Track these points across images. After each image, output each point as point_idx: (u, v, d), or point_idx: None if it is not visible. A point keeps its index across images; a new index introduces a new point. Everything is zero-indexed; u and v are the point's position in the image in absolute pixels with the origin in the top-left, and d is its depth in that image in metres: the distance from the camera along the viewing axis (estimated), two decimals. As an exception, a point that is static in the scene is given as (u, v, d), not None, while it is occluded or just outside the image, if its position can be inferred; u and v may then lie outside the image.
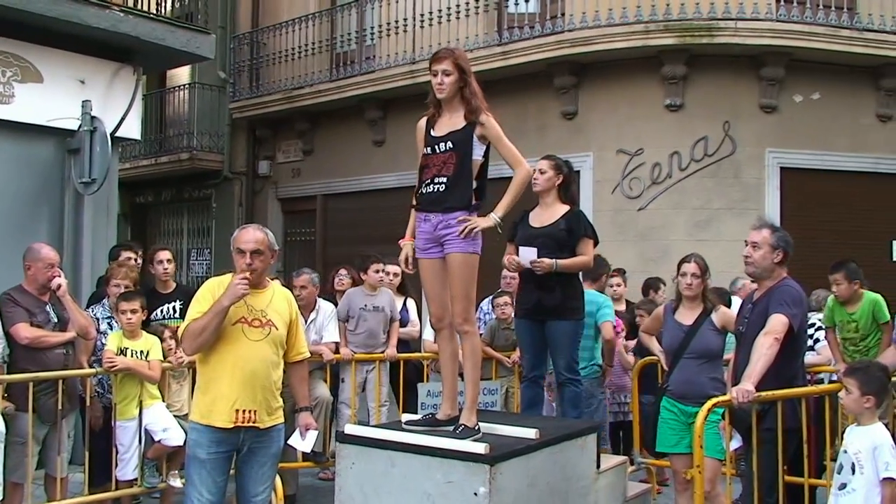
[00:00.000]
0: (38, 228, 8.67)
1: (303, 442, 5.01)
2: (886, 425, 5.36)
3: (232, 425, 4.48)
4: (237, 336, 4.52)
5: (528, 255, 5.77)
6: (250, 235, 4.62)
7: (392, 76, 13.44)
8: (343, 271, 8.43)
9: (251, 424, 4.51)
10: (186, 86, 17.05)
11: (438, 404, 5.32)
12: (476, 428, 4.51)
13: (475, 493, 4.05)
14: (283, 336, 4.70)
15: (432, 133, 4.66)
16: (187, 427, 5.22)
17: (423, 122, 4.74)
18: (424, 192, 4.63)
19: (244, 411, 4.48)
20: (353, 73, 14.23)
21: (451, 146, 4.55)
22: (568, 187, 6.08)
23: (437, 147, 4.61)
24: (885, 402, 4.86)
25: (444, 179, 4.55)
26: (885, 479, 4.31)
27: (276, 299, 4.74)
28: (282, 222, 16.40)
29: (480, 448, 4.12)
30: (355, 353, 7.46)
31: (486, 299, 8.87)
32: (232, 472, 4.72)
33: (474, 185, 4.56)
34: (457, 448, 4.21)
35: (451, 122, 4.61)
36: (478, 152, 4.56)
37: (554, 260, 5.74)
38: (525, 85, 12.39)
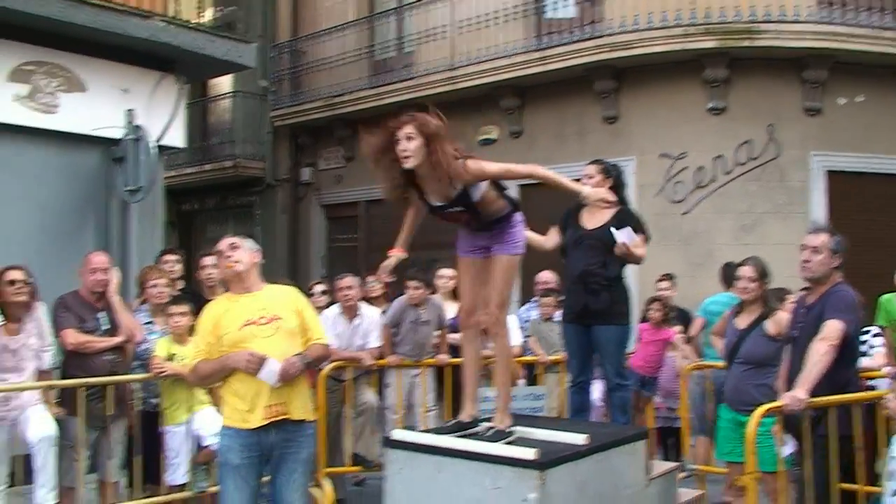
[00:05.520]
0: (85, 237, 8.80)
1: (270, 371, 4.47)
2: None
3: (266, 421, 4.44)
4: (249, 338, 4.51)
5: (624, 235, 5.61)
6: (223, 240, 4.77)
7: (431, 83, 13.41)
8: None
9: (284, 416, 4.48)
10: (228, 94, 17.20)
11: (488, 409, 5.21)
12: (508, 430, 4.47)
13: (524, 500, 4.00)
14: (295, 326, 4.63)
15: (431, 203, 4.45)
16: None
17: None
18: (468, 228, 4.60)
19: (273, 406, 4.46)
20: (392, 80, 14.26)
21: (462, 209, 4.41)
22: (619, 191, 5.90)
23: (445, 210, 4.45)
24: None
25: (477, 224, 4.51)
26: None
27: (277, 293, 4.76)
28: (325, 229, 16.52)
29: (530, 453, 4.08)
30: (403, 359, 7.35)
31: (525, 306, 8.84)
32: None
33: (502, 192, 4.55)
34: (505, 453, 4.17)
35: (441, 189, 4.34)
36: (482, 189, 4.40)
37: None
38: (564, 90, 12.36)
